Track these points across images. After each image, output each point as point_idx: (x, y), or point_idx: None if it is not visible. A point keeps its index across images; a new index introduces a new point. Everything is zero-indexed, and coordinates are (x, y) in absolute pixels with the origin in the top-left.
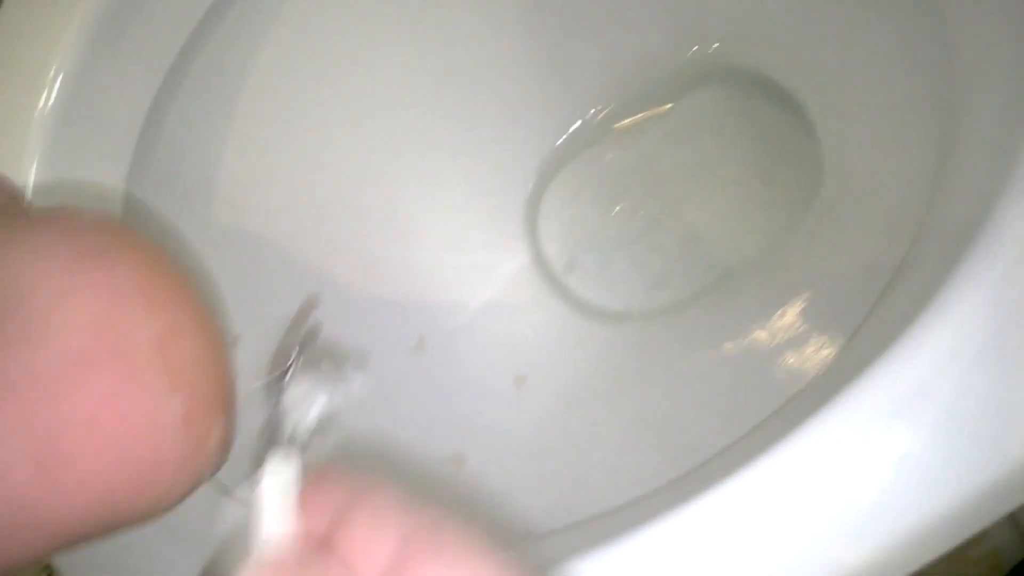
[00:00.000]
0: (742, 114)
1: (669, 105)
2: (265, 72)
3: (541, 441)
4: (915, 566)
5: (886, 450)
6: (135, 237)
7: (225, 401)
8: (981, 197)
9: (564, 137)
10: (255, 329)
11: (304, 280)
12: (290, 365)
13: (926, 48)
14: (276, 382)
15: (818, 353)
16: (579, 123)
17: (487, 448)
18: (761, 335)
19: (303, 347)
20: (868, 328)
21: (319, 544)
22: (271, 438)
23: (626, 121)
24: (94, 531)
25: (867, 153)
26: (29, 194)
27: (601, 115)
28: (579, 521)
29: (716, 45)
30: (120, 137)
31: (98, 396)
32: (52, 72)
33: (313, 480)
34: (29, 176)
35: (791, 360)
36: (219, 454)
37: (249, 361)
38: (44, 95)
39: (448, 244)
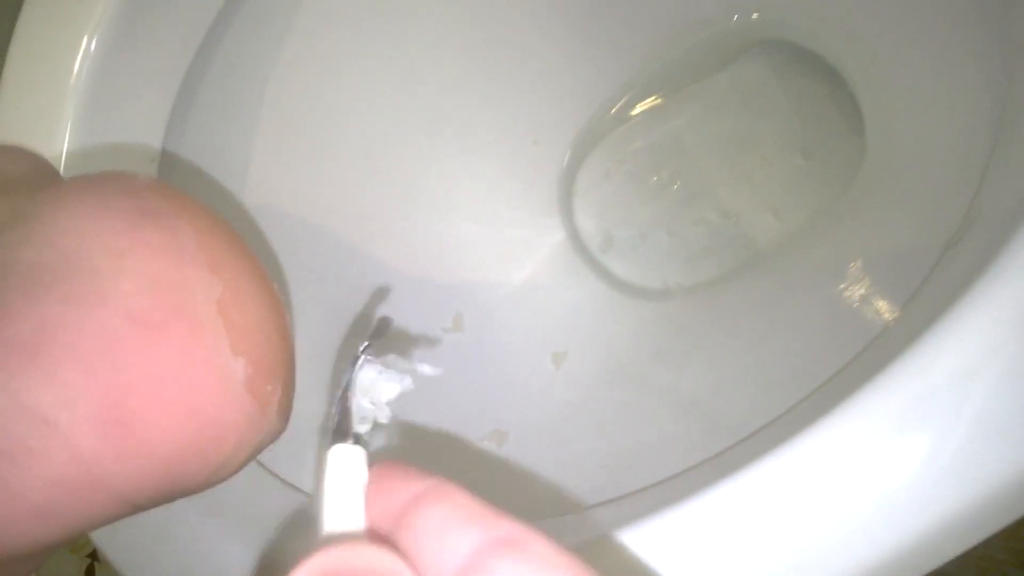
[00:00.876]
0: (782, 87)
1: (706, 79)
2: (298, 46)
3: (581, 418)
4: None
5: (921, 437)
6: (190, 199)
7: (286, 365)
8: None
9: (599, 112)
10: (292, 311)
11: (338, 260)
12: (358, 356)
13: (980, 20)
14: (344, 373)
15: (862, 330)
16: (615, 97)
17: (527, 425)
18: (802, 311)
19: (371, 339)
20: (912, 310)
21: (383, 540)
22: (337, 429)
23: (663, 95)
24: (158, 495)
25: (913, 127)
26: (62, 164)
27: (637, 89)
28: (621, 495)
29: (755, 15)
30: (152, 110)
31: (161, 358)
32: (85, 41)
33: (378, 474)
34: (61, 150)
35: (833, 337)
36: (280, 419)
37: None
38: (77, 64)
39: (484, 222)
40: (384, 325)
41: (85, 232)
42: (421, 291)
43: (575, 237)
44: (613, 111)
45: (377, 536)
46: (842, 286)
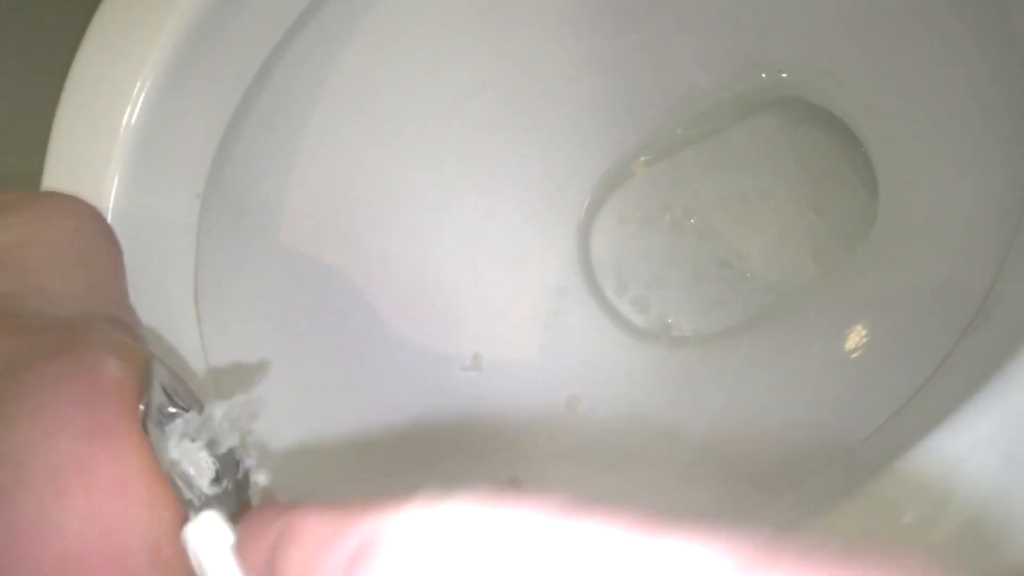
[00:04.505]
0: (796, 143)
1: (724, 132)
2: (333, 94)
3: (596, 464)
4: None
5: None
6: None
7: None
8: None
9: (620, 159)
10: (318, 351)
11: (361, 300)
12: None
13: (1006, 93)
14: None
15: (877, 382)
16: (636, 147)
17: (542, 470)
18: (812, 366)
19: (152, 407)
20: (921, 397)
21: None
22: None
23: (682, 145)
24: None
25: (927, 192)
26: (109, 217)
27: (657, 140)
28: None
29: (784, 75)
30: (197, 155)
31: None
32: (136, 90)
33: (244, 528)
34: (111, 193)
35: (850, 387)
36: None
37: (312, 382)
38: (128, 111)
39: (503, 264)
40: (157, 391)
41: (37, 453)
42: (440, 331)
43: (592, 281)
44: (633, 160)
45: None
46: (860, 335)
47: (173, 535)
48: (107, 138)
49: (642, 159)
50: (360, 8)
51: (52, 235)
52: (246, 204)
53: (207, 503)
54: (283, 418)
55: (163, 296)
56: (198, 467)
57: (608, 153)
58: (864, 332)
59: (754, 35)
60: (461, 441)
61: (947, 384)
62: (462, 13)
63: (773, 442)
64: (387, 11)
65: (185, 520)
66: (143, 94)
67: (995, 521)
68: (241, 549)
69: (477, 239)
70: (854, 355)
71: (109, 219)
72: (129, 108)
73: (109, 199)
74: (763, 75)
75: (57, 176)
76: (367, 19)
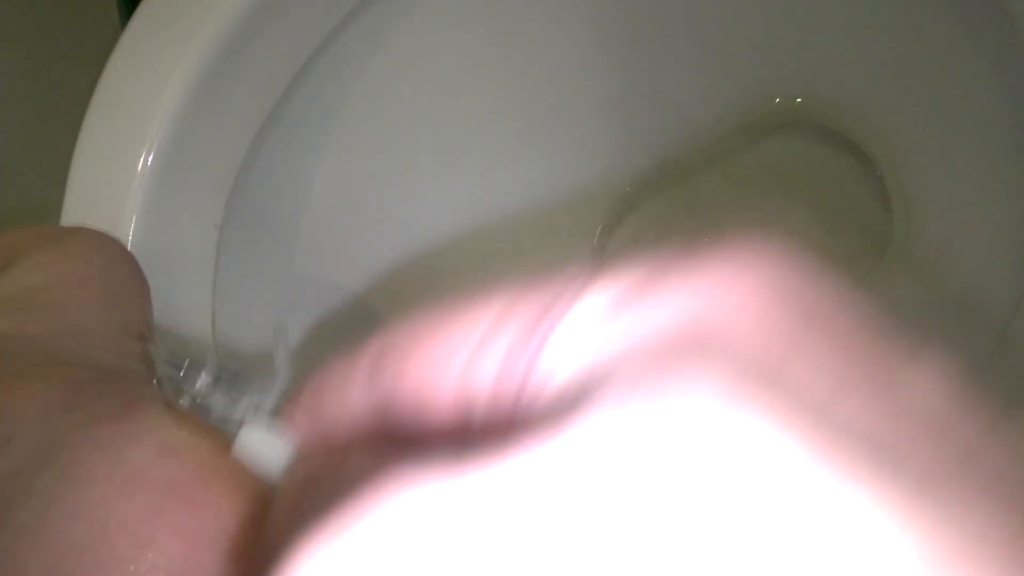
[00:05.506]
0: (810, 165)
1: (739, 155)
2: (349, 120)
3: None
4: None
5: None
6: (223, 462)
7: None
8: None
9: (633, 183)
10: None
11: (377, 323)
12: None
13: (1013, 115)
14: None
15: None
16: (649, 169)
17: None
18: None
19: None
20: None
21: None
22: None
23: (696, 170)
24: None
25: (941, 210)
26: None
27: (673, 163)
28: None
29: (799, 100)
30: (215, 187)
31: None
32: (155, 123)
33: (290, 409)
34: (130, 227)
35: None
36: None
37: None
38: (147, 145)
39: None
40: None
41: (114, 509)
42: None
43: None
44: (647, 184)
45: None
46: None
47: None
48: (126, 171)
49: (656, 183)
50: (373, 37)
51: (85, 274)
52: (264, 230)
53: (240, 423)
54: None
55: (182, 327)
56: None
57: (622, 178)
58: None
59: (769, 60)
60: None
61: None
62: (482, 41)
63: None
64: (404, 42)
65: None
66: (162, 127)
67: None
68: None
69: (490, 263)
70: None
71: None
72: (148, 142)
73: (128, 232)
74: (777, 100)
75: (76, 209)
76: (383, 49)
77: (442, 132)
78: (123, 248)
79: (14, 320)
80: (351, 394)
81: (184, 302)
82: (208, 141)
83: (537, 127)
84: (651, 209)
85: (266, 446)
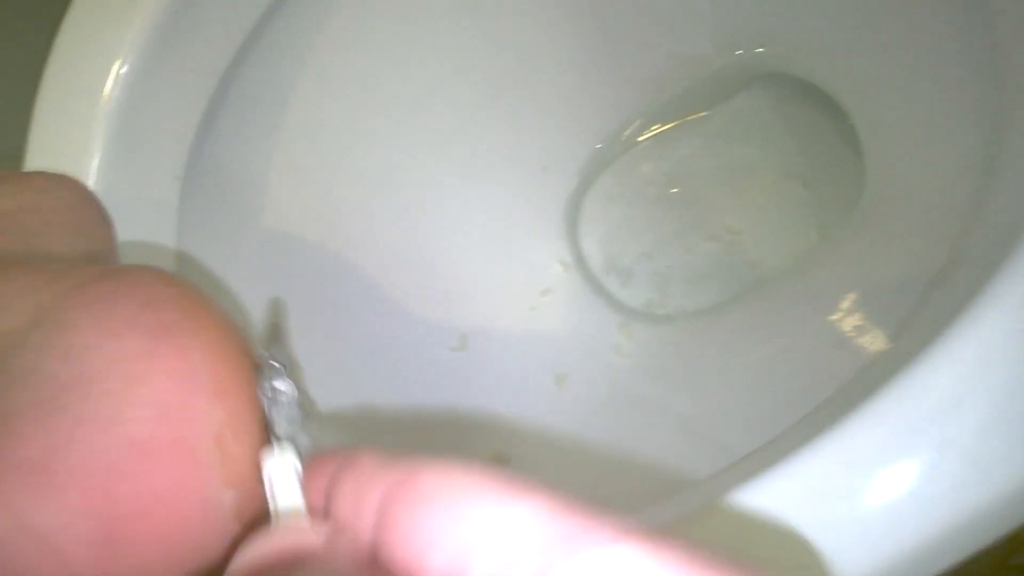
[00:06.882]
0: (782, 118)
1: (711, 109)
2: (312, 75)
3: (582, 439)
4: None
5: (919, 451)
6: (206, 312)
7: None
8: None
9: (607, 139)
10: (306, 333)
11: (345, 280)
12: (266, 362)
13: (974, 54)
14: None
15: (854, 358)
16: (622, 126)
17: (529, 447)
18: (799, 337)
19: (272, 345)
20: (901, 341)
21: (322, 516)
22: (272, 434)
23: (668, 124)
24: None
25: (909, 159)
26: (94, 178)
27: (644, 118)
28: (621, 515)
29: (760, 49)
30: (175, 137)
31: (158, 487)
32: (114, 72)
33: (312, 462)
34: (91, 173)
35: (827, 364)
36: None
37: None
38: (106, 93)
39: (490, 244)
40: (278, 333)
41: (106, 351)
42: (427, 312)
43: (580, 260)
44: (620, 139)
45: (316, 514)
46: (837, 315)
47: (237, 426)
48: (86, 119)
49: (629, 139)
50: None
51: (53, 204)
52: (227, 187)
53: (286, 436)
54: None
55: None
56: (289, 407)
57: (594, 134)
58: (855, 302)
59: (726, 12)
60: (447, 419)
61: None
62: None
63: (762, 418)
64: None
65: (261, 429)
66: (121, 76)
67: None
68: (305, 480)
69: (463, 220)
70: (845, 326)
71: None
72: (108, 90)
73: (90, 179)
74: (739, 52)
75: (39, 157)
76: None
77: (406, 89)
78: (87, 188)
79: None
80: (362, 516)
81: (145, 252)
82: (168, 89)
83: (504, 85)
84: (625, 165)
85: (288, 484)
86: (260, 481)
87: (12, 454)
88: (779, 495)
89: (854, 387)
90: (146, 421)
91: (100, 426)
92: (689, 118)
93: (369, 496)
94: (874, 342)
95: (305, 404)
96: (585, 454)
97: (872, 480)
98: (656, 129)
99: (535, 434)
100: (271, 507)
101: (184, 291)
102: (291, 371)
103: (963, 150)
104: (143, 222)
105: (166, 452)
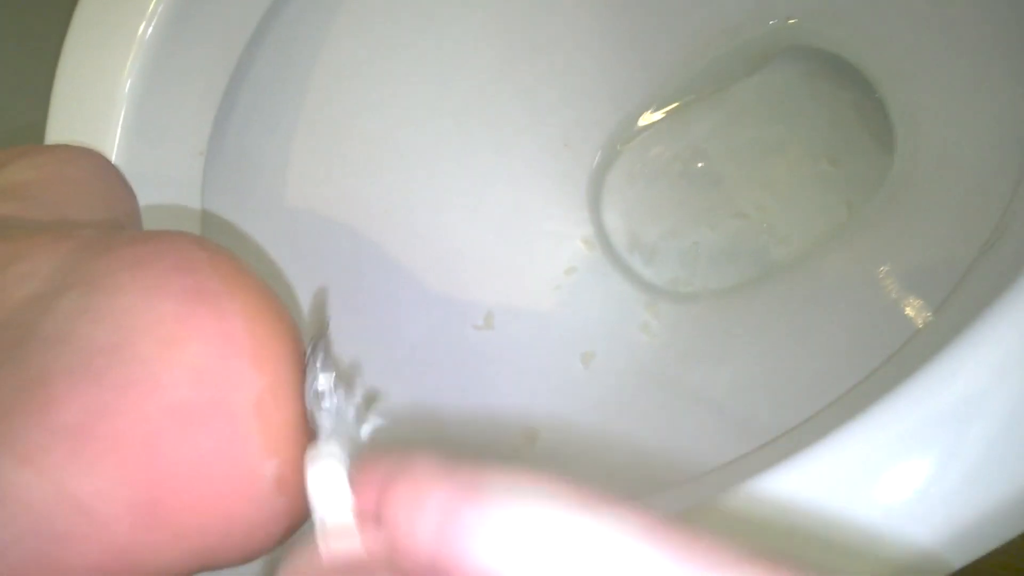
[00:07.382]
0: (809, 93)
1: (735, 83)
2: (334, 52)
3: (609, 418)
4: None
5: (927, 457)
6: (244, 275)
7: None
8: None
9: (630, 115)
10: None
11: (370, 258)
12: (311, 358)
13: (1013, 25)
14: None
15: (886, 338)
16: (646, 101)
17: (557, 425)
18: (829, 317)
19: (318, 340)
20: (937, 321)
21: (372, 522)
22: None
23: (691, 100)
24: None
25: (943, 133)
26: (114, 154)
27: (667, 94)
28: (647, 496)
29: (793, 20)
30: (198, 113)
31: (198, 454)
32: (135, 47)
33: (362, 463)
34: (114, 147)
35: (859, 344)
36: (309, 516)
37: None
38: (128, 68)
39: (515, 222)
40: (324, 326)
41: (140, 314)
42: (452, 290)
43: (603, 238)
44: (643, 114)
45: (366, 519)
46: (868, 293)
47: (278, 393)
48: (109, 93)
49: (653, 114)
50: None
51: (77, 175)
52: (250, 164)
53: (331, 433)
54: None
55: None
56: (337, 402)
57: (616, 109)
58: (887, 281)
59: None
60: (475, 398)
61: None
62: None
63: (790, 399)
64: None
65: (298, 395)
66: (142, 51)
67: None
68: (353, 482)
69: (487, 197)
70: (876, 306)
71: None
72: (129, 65)
73: (112, 153)
74: (772, 22)
75: (60, 130)
76: None
77: (426, 64)
78: (108, 159)
79: (13, 208)
80: (418, 527)
81: (169, 226)
82: (189, 64)
83: (525, 60)
84: (649, 141)
85: (335, 488)
86: (302, 450)
87: (49, 420)
88: (804, 481)
89: (884, 371)
90: (183, 386)
91: (138, 392)
92: (712, 94)
93: (427, 505)
94: (905, 323)
95: (358, 404)
96: (612, 433)
97: (898, 468)
98: (679, 105)
99: (562, 413)
100: (316, 514)
101: (218, 254)
102: (336, 365)
103: (1002, 124)
104: (167, 196)
105: (205, 418)
